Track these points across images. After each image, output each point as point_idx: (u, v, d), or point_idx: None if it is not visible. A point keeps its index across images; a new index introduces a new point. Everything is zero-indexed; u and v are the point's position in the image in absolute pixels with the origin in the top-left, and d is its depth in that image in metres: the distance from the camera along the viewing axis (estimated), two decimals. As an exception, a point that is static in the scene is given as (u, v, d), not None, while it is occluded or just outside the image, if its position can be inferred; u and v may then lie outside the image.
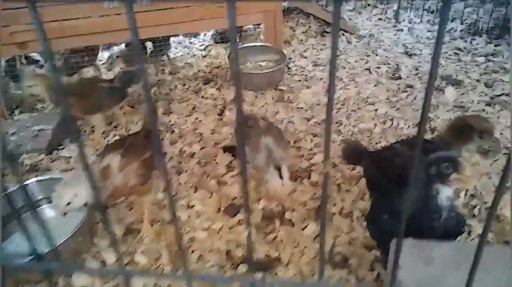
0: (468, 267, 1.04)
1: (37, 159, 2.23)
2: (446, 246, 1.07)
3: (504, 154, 2.11)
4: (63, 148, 2.34)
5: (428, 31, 3.59)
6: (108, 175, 1.52)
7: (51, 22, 2.40)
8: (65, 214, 1.44)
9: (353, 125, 2.40)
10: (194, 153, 2.23)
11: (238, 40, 3.43)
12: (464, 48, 3.20)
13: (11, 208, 1.49)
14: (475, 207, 1.83)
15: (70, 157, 2.26)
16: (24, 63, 2.94)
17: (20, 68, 2.86)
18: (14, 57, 2.82)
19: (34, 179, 1.78)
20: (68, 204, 1.44)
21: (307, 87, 2.83)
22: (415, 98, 2.61)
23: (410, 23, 3.76)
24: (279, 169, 1.61)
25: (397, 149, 1.60)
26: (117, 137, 2.37)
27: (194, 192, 1.98)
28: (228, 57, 2.90)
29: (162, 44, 2.90)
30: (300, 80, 2.92)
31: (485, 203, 1.84)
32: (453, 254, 1.06)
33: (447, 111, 2.46)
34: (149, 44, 2.84)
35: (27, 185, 1.74)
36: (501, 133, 2.23)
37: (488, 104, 2.48)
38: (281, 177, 1.60)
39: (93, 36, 2.53)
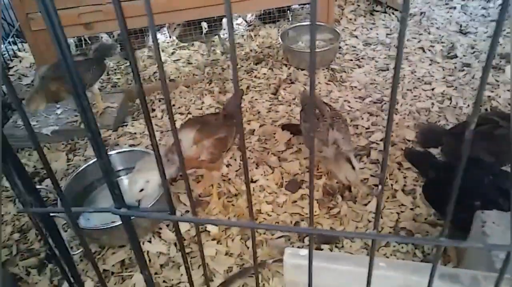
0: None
1: (105, 134, 2.36)
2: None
3: None
4: (126, 124, 2.46)
5: (483, 8, 3.46)
6: (173, 151, 1.56)
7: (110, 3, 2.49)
8: (139, 201, 1.51)
9: (410, 105, 2.39)
10: (254, 129, 2.29)
11: (289, 19, 3.44)
12: (523, 25, 3.07)
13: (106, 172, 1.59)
14: None
15: (134, 133, 2.38)
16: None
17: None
18: (81, 38, 2.94)
19: (114, 151, 1.91)
20: (141, 190, 1.50)
21: (359, 67, 2.82)
22: (473, 77, 2.56)
23: (463, 0, 3.63)
24: (349, 160, 1.66)
25: (494, 121, 1.60)
26: (178, 116, 2.47)
27: (256, 168, 2.05)
28: (281, 36, 2.92)
29: (215, 24, 2.95)
30: (351, 60, 2.91)
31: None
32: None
33: (508, 90, 2.40)
34: (204, 24, 2.89)
35: (110, 155, 1.87)
36: None
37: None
38: (353, 168, 1.66)
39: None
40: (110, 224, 1.55)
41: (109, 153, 1.88)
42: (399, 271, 0.87)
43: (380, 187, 0.58)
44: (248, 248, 1.68)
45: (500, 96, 2.35)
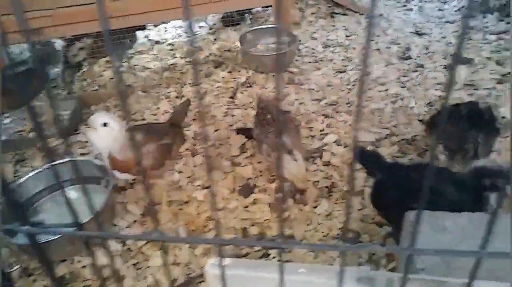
0: (481, 236, 1.08)
1: (56, 143, 2.30)
2: (459, 216, 1.11)
3: (515, 131, 2.12)
4: (78, 133, 2.40)
5: (439, 9, 3.54)
6: (131, 144, 1.58)
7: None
8: (90, 129, 1.53)
9: (363, 106, 2.42)
10: (208, 135, 2.27)
11: (249, 22, 3.43)
12: (476, 26, 3.16)
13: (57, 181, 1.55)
14: (485, 183, 1.86)
15: (86, 142, 2.32)
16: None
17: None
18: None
19: (56, 162, 1.85)
20: (105, 124, 1.52)
21: (317, 69, 2.84)
22: (425, 77, 2.61)
23: (420, 1, 3.71)
24: (291, 153, 1.68)
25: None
26: (132, 122, 2.43)
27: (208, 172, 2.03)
28: (239, 39, 2.91)
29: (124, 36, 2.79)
30: (310, 62, 2.93)
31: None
32: (467, 224, 1.10)
33: (457, 89, 2.46)
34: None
35: (49, 167, 1.81)
36: (512, 111, 2.24)
37: (499, 82, 2.48)
38: (294, 159, 1.67)
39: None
40: (46, 238, 1.50)
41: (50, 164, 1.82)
42: (319, 276, 0.87)
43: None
44: (196, 256, 1.65)
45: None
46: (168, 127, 1.78)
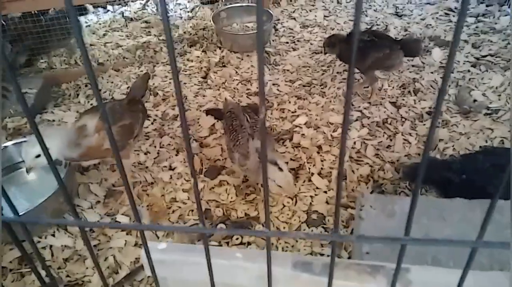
0: (429, 220, 1.07)
1: (21, 122, 2.23)
2: (407, 200, 1.10)
3: (485, 114, 2.12)
4: (46, 111, 2.33)
5: (421, -10, 3.49)
6: (83, 135, 1.52)
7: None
8: (30, 169, 1.43)
9: (337, 88, 2.39)
10: (177, 115, 2.23)
11: (225, 0, 3.34)
12: (455, 8, 3.13)
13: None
14: (452, 166, 1.86)
15: (53, 120, 2.26)
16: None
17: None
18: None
19: (11, 142, 1.79)
20: (38, 156, 1.39)
21: (294, 49, 2.79)
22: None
23: (402, -18, 3.65)
24: (275, 163, 1.48)
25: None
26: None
27: (176, 155, 2.00)
28: (212, 18, 2.84)
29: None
30: (287, 42, 2.88)
31: (462, 162, 1.87)
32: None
33: (432, 72, 2.44)
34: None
35: (6, 147, 1.76)
36: (483, 95, 2.23)
37: (473, 65, 2.46)
38: (280, 169, 1.48)
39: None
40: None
41: (5, 144, 1.76)
42: (255, 261, 0.85)
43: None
44: (158, 238, 1.63)
45: (423, 78, 2.39)
46: (127, 104, 1.71)
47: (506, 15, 2.93)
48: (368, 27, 2.77)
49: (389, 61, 2.13)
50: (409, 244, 0.60)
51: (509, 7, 3.00)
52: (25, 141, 1.74)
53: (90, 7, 3.21)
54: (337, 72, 2.52)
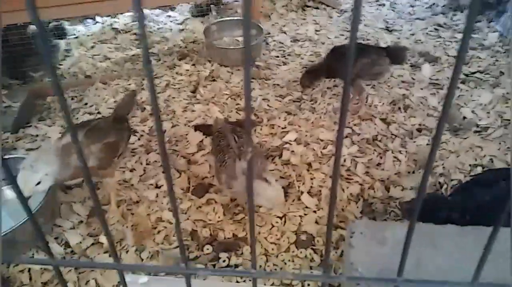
0: (420, 247, 1.04)
1: (3, 137, 2.17)
2: (399, 226, 1.07)
3: (475, 131, 2.11)
4: (30, 125, 2.28)
5: (411, 6, 3.52)
6: (68, 153, 1.47)
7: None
8: (29, 197, 1.38)
9: (327, 103, 2.37)
10: (165, 130, 2.19)
11: (216, 13, 3.33)
12: (445, 24, 3.15)
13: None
14: (442, 186, 1.84)
15: (36, 135, 2.20)
16: None
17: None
18: None
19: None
20: (38, 183, 1.37)
21: (284, 64, 2.78)
22: (391, 75, 2.58)
23: (392, -3, 3.68)
24: (265, 179, 1.45)
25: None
26: (86, 116, 2.32)
27: (163, 172, 1.95)
28: (204, 31, 2.82)
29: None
30: (278, 56, 2.86)
31: (452, 180, 1.85)
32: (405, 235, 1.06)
33: (422, 88, 2.44)
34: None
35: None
36: (472, 112, 2.23)
37: (463, 82, 2.47)
38: (268, 183, 1.45)
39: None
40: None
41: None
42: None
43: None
44: (142, 260, 1.58)
45: (413, 95, 2.39)
46: (112, 122, 1.68)
47: (494, 32, 2.95)
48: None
49: (376, 67, 2.15)
50: (402, 286, 0.57)
51: (496, 24, 3.03)
52: (8, 158, 1.68)
53: (69, 28, 3.14)
54: (327, 88, 2.50)
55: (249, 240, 1.52)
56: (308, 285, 1.48)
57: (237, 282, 1.35)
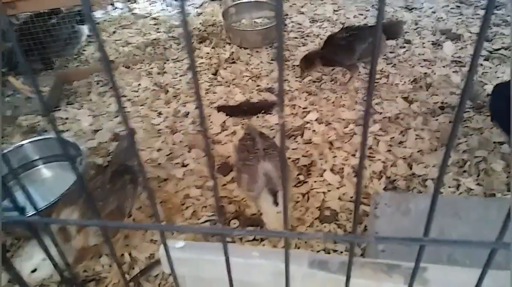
0: (444, 217, 1.07)
1: (34, 120, 2.26)
2: (422, 197, 1.10)
3: (499, 109, 2.09)
4: (59, 109, 2.36)
5: (431, -17, 3.44)
6: (68, 237, 1.28)
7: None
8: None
9: (348, 83, 2.38)
10: (188, 112, 2.24)
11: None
12: (467, 0, 3.09)
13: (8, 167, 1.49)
14: (466, 162, 1.85)
15: (66, 118, 2.28)
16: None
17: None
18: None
19: (28, 140, 1.82)
20: (34, 271, 1.20)
21: (303, 45, 2.78)
22: (412, 54, 2.56)
23: (413, -26, 3.60)
24: (274, 194, 1.38)
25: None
26: (113, 99, 2.39)
27: (188, 151, 2.01)
28: (222, 14, 2.84)
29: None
30: (296, 37, 2.87)
31: (475, 157, 1.85)
32: (429, 205, 1.09)
33: (444, 66, 2.42)
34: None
35: (22, 145, 1.79)
36: (497, 89, 2.21)
37: (486, 59, 2.43)
38: (275, 203, 1.37)
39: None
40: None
41: (22, 142, 1.79)
42: (271, 259, 0.86)
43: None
44: (173, 234, 1.65)
45: (435, 73, 2.37)
46: (110, 181, 1.43)
47: (519, 7, 2.89)
48: (347, 25, 2.65)
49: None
50: (428, 245, 0.60)
51: (522, -1, 2.95)
52: (42, 139, 1.75)
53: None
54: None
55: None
56: (334, 250, 1.53)
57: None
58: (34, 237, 0.61)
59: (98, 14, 3.25)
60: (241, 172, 1.56)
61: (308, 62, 2.26)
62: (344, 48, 2.19)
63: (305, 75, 2.37)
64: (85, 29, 2.99)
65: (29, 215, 1.06)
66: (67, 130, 2.17)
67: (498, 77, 2.29)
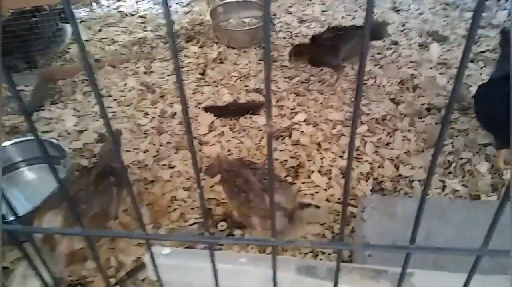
0: (430, 220, 1.08)
1: (17, 120, 2.21)
2: (409, 201, 1.11)
3: (483, 111, 2.12)
4: (43, 109, 2.31)
5: (418, -16, 3.48)
6: (53, 243, 1.25)
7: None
8: None
9: (335, 85, 2.38)
10: (176, 113, 2.22)
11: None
12: (453, 2, 3.12)
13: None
14: (451, 164, 1.87)
15: (50, 118, 2.24)
16: None
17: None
18: None
19: (11, 141, 1.78)
20: None
21: (292, 45, 2.77)
22: (400, 55, 2.58)
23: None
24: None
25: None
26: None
27: (175, 153, 1.99)
28: (210, 13, 2.82)
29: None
30: (285, 38, 2.86)
31: (461, 159, 1.88)
32: (415, 209, 1.10)
33: (430, 68, 2.44)
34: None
35: (5, 147, 1.75)
36: (481, 91, 2.24)
37: (471, 61, 2.46)
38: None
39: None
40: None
41: (5, 143, 1.75)
42: (259, 266, 0.85)
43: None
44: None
45: (422, 75, 2.39)
46: (93, 183, 1.40)
47: (503, 10, 2.93)
48: (332, 25, 2.70)
49: (359, 50, 2.19)
50: (414, 252, 0.60)
51: (506, 1, 3.00)
52: (26, 140, 1.71)
53: (74, 11, 3.15)
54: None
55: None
56: (322, 252, 1.53)
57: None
58: (18, 248, 0.60)
59: (83, 12, 3.20)
60: (247, 215, 1.44)
61: (297, 52, 2.28)
62: (329, 49, 2.20)
63: (292, 61, 2.36)
64: (69, 28, 2.93)
65: (9, 220, 1.04)
66: (51, 131, 2.13)
67: (483, 79, 2.32)
